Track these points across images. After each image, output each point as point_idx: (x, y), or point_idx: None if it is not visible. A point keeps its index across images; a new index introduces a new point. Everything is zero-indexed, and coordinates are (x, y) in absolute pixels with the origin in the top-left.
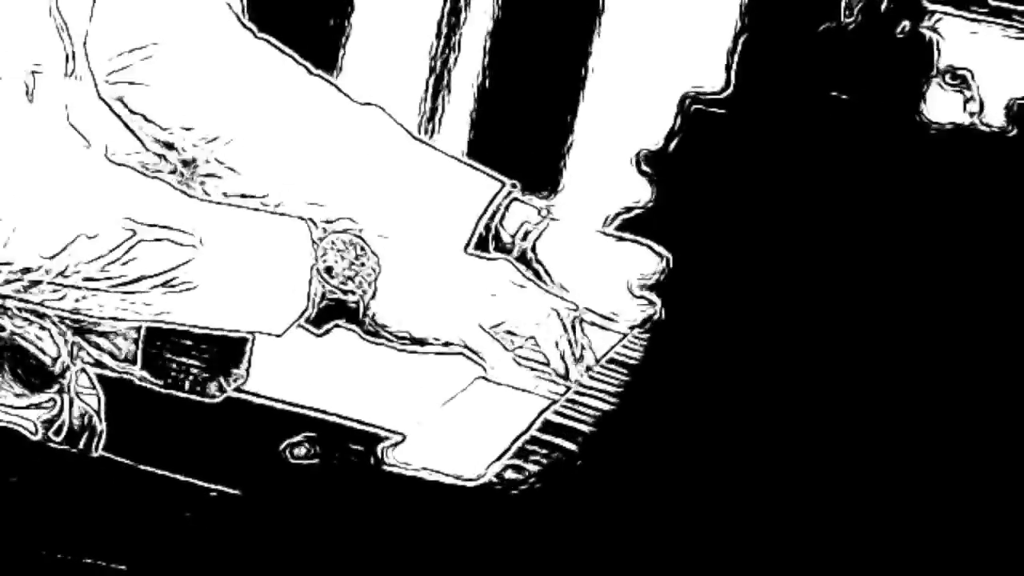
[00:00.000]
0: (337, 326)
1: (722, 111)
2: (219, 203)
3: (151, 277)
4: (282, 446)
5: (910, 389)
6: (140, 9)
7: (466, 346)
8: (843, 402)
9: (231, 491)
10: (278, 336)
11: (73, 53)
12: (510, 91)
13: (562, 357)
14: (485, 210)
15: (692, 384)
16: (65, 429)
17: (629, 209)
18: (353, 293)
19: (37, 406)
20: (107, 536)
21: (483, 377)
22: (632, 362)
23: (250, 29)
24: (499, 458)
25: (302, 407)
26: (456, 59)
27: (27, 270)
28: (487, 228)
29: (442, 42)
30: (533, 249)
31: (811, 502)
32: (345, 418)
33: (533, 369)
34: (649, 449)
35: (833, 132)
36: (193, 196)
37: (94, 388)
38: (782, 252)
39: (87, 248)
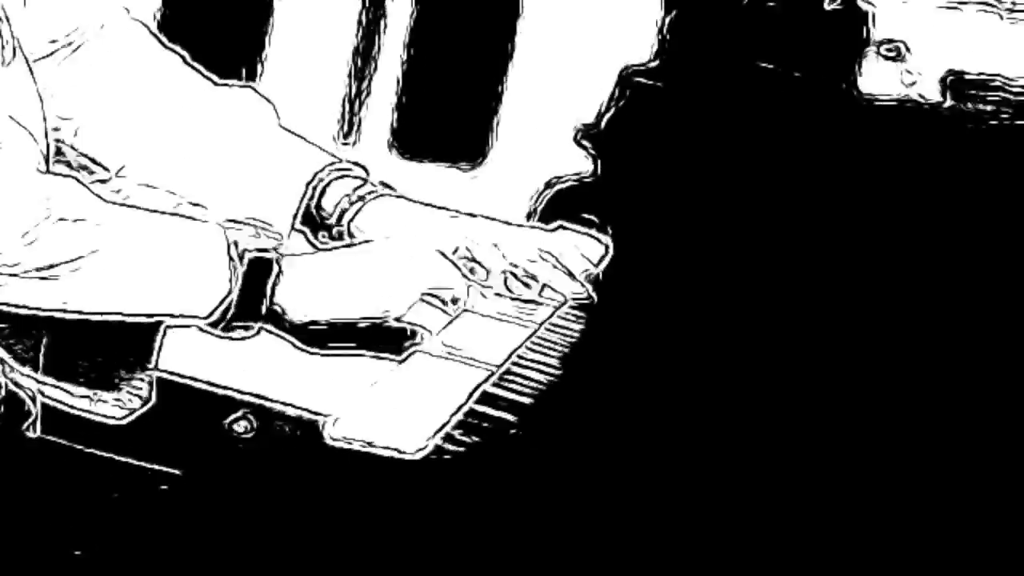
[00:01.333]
0: (263, 329)
1: (658, 84)
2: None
3: (66, 263)
4: (225, 421)
5: (849, 362)
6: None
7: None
8: (784, 373)
9: (172, 471)
10: (205, 320)
11: (13, 43)
12: (436, 63)
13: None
14: (307, 186)
15: (631, 356)
16: (2, 413)
17: (558, 180)
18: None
19: None
20: (49, 519)
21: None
22: (571, 333)
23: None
24: (439, 431)
25: (239, 391)
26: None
27: None
28: (314, 206)
29: (367, 10)
30: (350, 230)
31: (755, 475)
32: (282, 403)
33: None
34: (588, 420)
35: (769, 104)
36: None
37: (30, 372)
38: (718, 223)
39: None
